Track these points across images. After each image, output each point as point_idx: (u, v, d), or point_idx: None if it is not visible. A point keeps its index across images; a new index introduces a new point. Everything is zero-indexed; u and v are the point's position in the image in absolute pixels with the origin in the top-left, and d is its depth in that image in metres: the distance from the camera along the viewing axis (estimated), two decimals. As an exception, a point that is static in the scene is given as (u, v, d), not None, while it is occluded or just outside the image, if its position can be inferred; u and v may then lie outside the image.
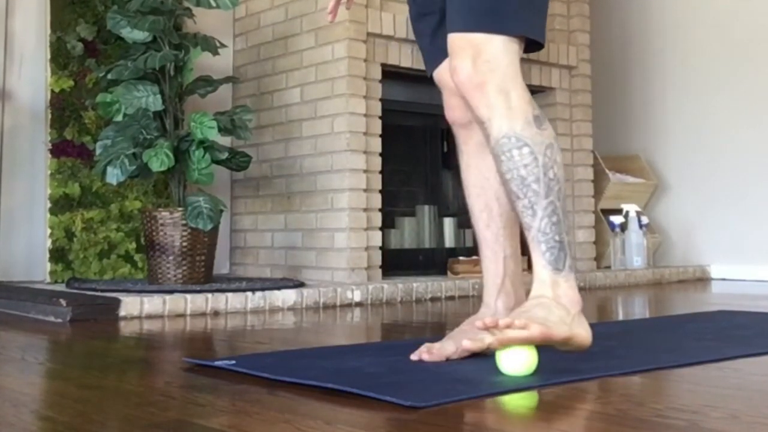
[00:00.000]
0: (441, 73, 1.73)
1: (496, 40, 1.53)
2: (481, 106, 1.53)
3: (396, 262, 3.49)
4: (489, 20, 1.53)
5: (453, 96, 1.70)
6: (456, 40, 1.55)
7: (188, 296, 2.64)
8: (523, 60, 4.23)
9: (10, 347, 1.94)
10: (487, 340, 1.39)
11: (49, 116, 3.25)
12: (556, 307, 1.48)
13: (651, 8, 4.76)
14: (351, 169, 3.25)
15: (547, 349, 1.46)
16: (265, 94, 3.67)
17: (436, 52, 1.71)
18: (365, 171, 3.28)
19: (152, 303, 2.56)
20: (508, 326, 1.38)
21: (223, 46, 3.16)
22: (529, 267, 1.56)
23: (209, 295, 2.67)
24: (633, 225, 4.17)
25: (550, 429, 1.13)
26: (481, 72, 1.51)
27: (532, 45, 1.63)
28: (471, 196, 1.72)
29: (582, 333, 1.50)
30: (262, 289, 2.80)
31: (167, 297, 2.60)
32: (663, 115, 4.66)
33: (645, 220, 4.24)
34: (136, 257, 3.33)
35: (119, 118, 2.97)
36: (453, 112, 1.73)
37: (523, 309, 1.48)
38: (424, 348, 1.59)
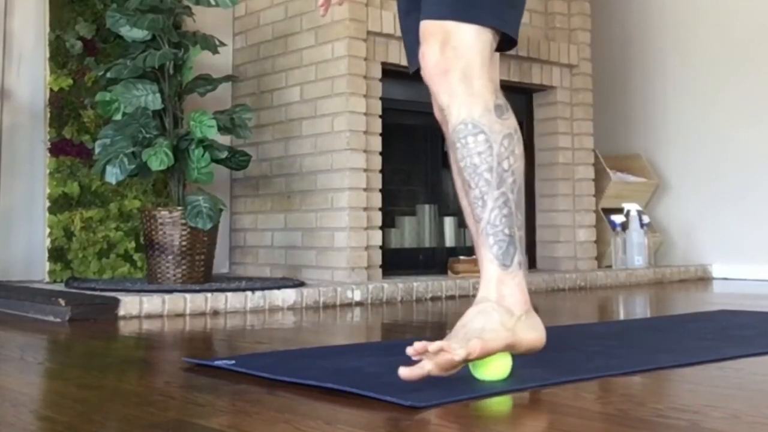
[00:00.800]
0: None
1: (466, 28, 1.51)
2: (444, 92, 1.50)
3: (396, 262, 3.49)
4: (461, 8, 1.52)
5: None
6: (428, 27, 1.54)
7: (188, 296, 2.63)
8: (523, 58, 4.19)
9: (9, 347, 1.94)
10: (427, 367, 1.30)
11: (48, 115, 3.24)
12: (497, 311, 1.41)
13: (652, 7, 4.75)
14: (351, 168, 3.24)
15: (546, 348, 1.46)
16: (264, 92, 3.66)
17: None
18: (365, 170, 3.28)
19: (151, 302, 2.56)
20: (440, 350, 1.30)
21: (222, 44, 3.16)
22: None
23: (209, 295, 2.67)
24: (634, 224, 4.17)
25: (550, 429, 1.13)
26: (447, 58, 1.49)
27: (506, 43, 1.61)
28: (463, 196, 1.71)
29: (530, 336, 1.44)
30: (262, 289, 2.80)
31: (166, 296, 2.60)
32: (664, 114, 4.66)
33: (646, 219, 4.24)
34: (136, 257, 3.32)
35: (118, 116, 2.97)
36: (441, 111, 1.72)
37: (463, 321, 1.42)
38: (417, 349, 1.54)
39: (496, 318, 1.40)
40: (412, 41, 1.75)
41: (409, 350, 1.31)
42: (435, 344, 1.30)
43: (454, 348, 1.30)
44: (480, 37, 1.53)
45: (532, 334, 1.44)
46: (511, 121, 1.51)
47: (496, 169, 1.46)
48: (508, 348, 1.39)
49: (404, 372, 1.30)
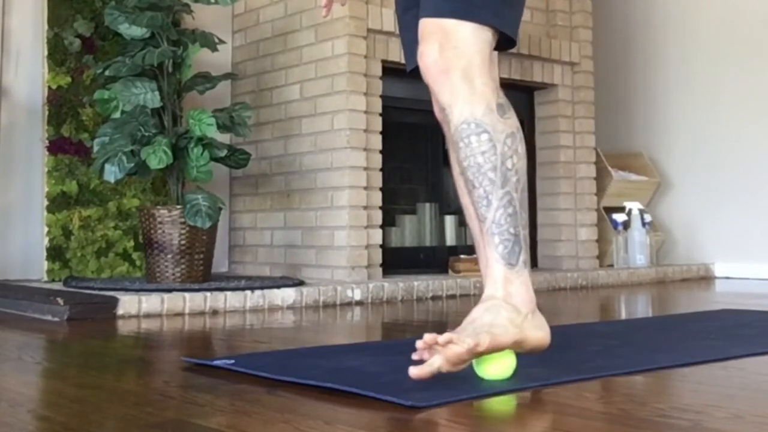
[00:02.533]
0: None
1: (466, 26, 1.50)
2: (445, 91, 1.50)
3: (397, 261, 3.48)
4: (461, 7, 1.51)
5: None
6: (427, 25, 1.54)
7: (187, 295, 2.62)
8: (524, 56, 4.18)
9: (7, 346, 1.93)
10: (437, 363, 1.30)
11: (46, 113, 3.23)
12: (505, 309, 1.42)
13: (654, 4, 4.74)
14: (351, 167, 3.23)
15: (548, 348, 1.45)
16: (264, 90, 3.65)
17: None
18: (365, 168, 3.27)
19: (150, 302, 2.55)
20: (449, 341, 1.30)
21: (221, 42, 3.15)
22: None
23: (208, 294, 2.66)
24: (636, 223, 4.16)
25: (551, 429, 1.12)
26: (447, 57, 1.49)
27: (505, 43, 1.61)
28: (465, 195, 1.70)
29: (537, 334, 1.44)
30: (262, 288, 2.79)
31: (165, 296, 2.59)
32: (666, 113, 4.65)
33: (648, 218, 4.23)
34: (134, 255, 3.31)
35: (117, 115, 2.96)
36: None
37: (471, 317, 1.43)
38: (427, 341, 1.54)
39: (505, 315, 1.41)
40: (410, 39, 1.74)
41: (419, 343, 1.32)
42: (444, 336, 1.31)
43: (463, 339, 1.31)
44: (480, 36, 1.52)
45: (539, 333, 1.45)
46: (513, 120, 1.50)
47: (500, 168, 1.46)
48: (516, 345, 1.39)
49: (414, 371, 1.30)
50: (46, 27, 3.26)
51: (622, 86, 4.80)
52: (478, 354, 1.33)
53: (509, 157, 1.47)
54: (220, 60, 3.56)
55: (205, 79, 3.12)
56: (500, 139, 1.46)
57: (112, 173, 2.85)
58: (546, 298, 3.12)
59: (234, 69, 3.75)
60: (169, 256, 2.89)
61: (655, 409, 1.20)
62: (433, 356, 1.32)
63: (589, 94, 4.12)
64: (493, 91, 1.50)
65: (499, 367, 1.36)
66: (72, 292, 2.67)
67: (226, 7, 3.59)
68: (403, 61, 3.63)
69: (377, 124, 3.32)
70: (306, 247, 3.39)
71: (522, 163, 1.49)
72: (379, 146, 3.32)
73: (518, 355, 1.40)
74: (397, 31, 3.35)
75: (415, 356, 1.55)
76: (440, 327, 2.36)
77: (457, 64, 1.49)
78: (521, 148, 1.49)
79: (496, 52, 1.74)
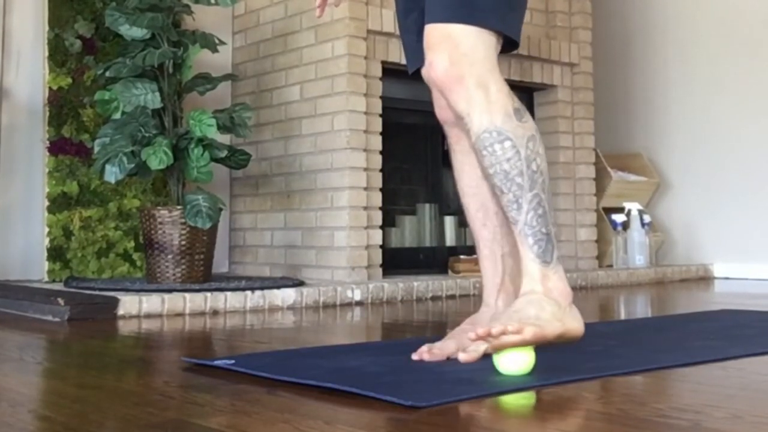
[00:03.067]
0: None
1: (472, 32, 1.51)
2: (461, 100, 1.51)
3: (396, 261, 3.48)
4: (466, 12, 1.52)
5: None
6: (432, 32, 1.54)
7: (187, 295, 2.63)
8: (524, 57, 4.18)
9: (7, 347, 1.94)
10: (482, 349, 1.40)
11: (47, 114, 3.23)
12: (548, 303, 1.47)
13: (653, 5, 4.75)
14: (351, 167, 3.23)
15: (546, 347, 1.45)
16: (264, 91, 3.66)
17: (423, 50, 1.70)
18: (365, 169, 3.27)
19: (151, 302, 2.55)
20: (503, 333, 1.37)
21: (222, 43, 3.15)
22: None
23: (208, 294, 2.66)
24: (635, 223, 4.16)
25: (550, 429, 1.12)
26: (458, 65, 1.50)
27: (507, 45, 1.62)
28: (466, 195, 1.71)
29: (575, 326, 1.49)
30: (262, 288, 2.79)
31: (166, 296, 2.59)
32: (665, 113, 4.65)
33: (647, 218, 4.23)
34: (135, 256, 3.32)
35: (117, 115, 2.96)
36: (444, 111, 1.71)
37: (515, 308, 1.47)
38: (425, 348, 1.57)
39: (548, 309, 1.46)
40: (411, 41, 1.74)
41: (471, 335, 1.40)
42: (497, 327, 1.38)
43: (513, 330, 1.37)
44: (486, 42, 1.53)
45: (577, 324, 1.50)
46: (530, 123, 1.53)
47: (526, 172, 1.49)
48: (558, 338, 1.45)
49: (463, 357, 1.47)
50: (46, 28, 3.26)
51: (622, 87, 4.80)
52: (524, 344, 1.39)
53: (533, 159, 1.50)
54: (220, 61, 3.56)
55: (206, 80, 3.12)
56: (523, 144, 1.49)
57: (112, 174, 2.85)
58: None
59: (234, 70, 3.75)
60: (170, 256, 2.89)
61: (654, 409, 1.20)
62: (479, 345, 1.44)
63: (589, 95, 4.12)
64: (508, 96, 1.52)
65: (520, 362, 1.39)
66: (73, 292, 2.68)
67: (227, 8, 3.59)
68: (403, 62, 3.63)
69: (377, 125, 3.32)
70: (306, 247, 3.39)
71: (545, 164, 1.53)
72: (379, 147, 3.32)
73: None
74: (397, 32, 3.36)
75: (415, 356, 1.56)
76: (440, 327, 2.37)
77: (471, 71, 1.50)
78: (542, 149, 1.53)
79: None
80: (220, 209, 2.95)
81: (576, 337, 1.50)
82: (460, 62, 1.50)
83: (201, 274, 2.94)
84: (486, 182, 1.62)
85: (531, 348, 1.41)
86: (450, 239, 3.83)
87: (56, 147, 3.22)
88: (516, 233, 1.52)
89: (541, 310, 1.45)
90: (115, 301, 2.49)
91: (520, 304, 1.48)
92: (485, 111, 1.49)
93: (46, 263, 3.17)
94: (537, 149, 1.51)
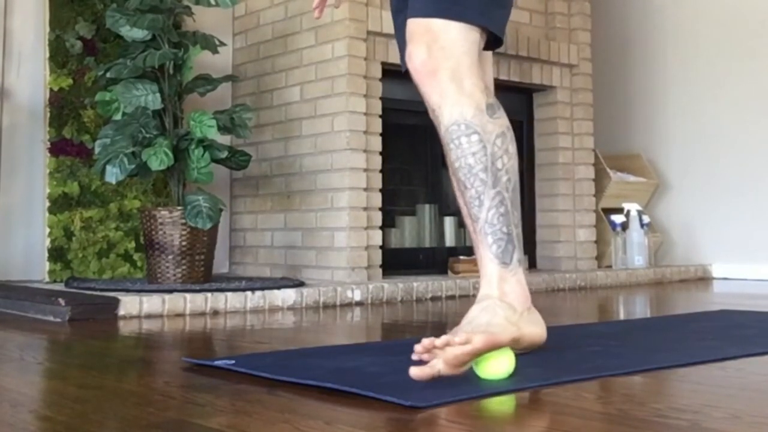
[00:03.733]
0: None
1: (453, 27, 1.50)
2: (433, 92, 1.50)
3: (396, 262, 3.48)
4: (448, 7, 1.51)
5: None
6: (414, 26, 1.54)
7: (187, 296, 2.63)
8: (523, 58, 4.19)
9: (8, 347, 1.94)
10: (437, 366, 1.30)
11: (48, 115, 3.24)
12: (501, 307, 1.43)
13: (652, 6, 4.75)
14: (351, 168, 3.24)
15: (547, 348, 1.45)
16: (264, 92, 3.66)
17: None
18: (365, 170, 3.27)
19: (151, 302, 2.55)
20: (447, 344, 1.30)
21: (222, 44, 3.16)
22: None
23: (209, 295, 2.66)
24: (634, 224, 4.17)
25: (550, 429, 1.12)
26: (435, 58, 1.49)
27: (493, 42, 1.61)
28: (461, 195, 1.71)
29: (533, 330, 1.46)
30: (262, 289, 2.80)
31: (166, 296, 2.59)
32: (664, 114, 4.66)
33: (646, 219, 4.24)
34: (135, 256, 3.32)
35: (118, 116, 2.97)
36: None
37: (468, 318, 1.44)
38: (425, 345, 1.55)
39: (501, 314, 1.42)
40: (403, 40, 1.75)
41: (417, 347, 1.30)
42: (442, 338, 1.30)
43: (460, 341, 1.30)
44: (467, 36, 1.52)
45: (535, 329, 1.47)
46: (503, 120, 1.50)
47: (490, 168, 1.46)
48: (513, 342, 1.40)
49: (415, 372, 1.29)
50: (47, 29, 3.27)
51: (621, 88, 4.81)
52: (476, 354, 1.33)
53: (499, 157, 1.47)
54: (220, 62, 3.56)
55: (206, 81, 3.13)
56: (490, 139, 1.47)
57: (113, 174, 2.86)
58: (545, 299, 3.13)
59: (234, 71, 3.76)
60: (170, 257, 2.90)
61: (653, 409, 1.20)
62: (433, 359, 1.32)
63: (588, 96, 4.13)
64: (482, 91, 1.50)
65: (498, 366, 1.36)
66: (73, 292, 2.68)
67: (227, 10, 3.59)
68: (402, 62, 3.63)
69: (377, 125, 3.33)
70: (306, 248, 3.40)
71: (513, 163, 1.49)
72: (379, 148, 3.33)
73: (518, 356, 1.41)
74: (397, 33, 3.37)
75: (414, 356, 1.56)
76: (440, 327, 2.37)
77: (446, 65, 1.49)
78: (512, 148, 1.50)
79: (490, 52, 1.74)
80: (221, 210, 2.95)
81: (535, 343, 1.46)
82: (437, 55, 1.49)
83: (201, 275, 2.94)
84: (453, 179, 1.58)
85: (507, 351, 1.37)
86: (449, 240, 3.83)
87: (57, 148, 3.23)
88: (476, 231, 1.48)
89: (494, 315, 1.41)
90: (115, 302, 2.50)
91: (474, 312, 1.44)
92: (456, 104, 1.48)
93: (47, 264, 3.18)
94: (506, 147, 1.48)
